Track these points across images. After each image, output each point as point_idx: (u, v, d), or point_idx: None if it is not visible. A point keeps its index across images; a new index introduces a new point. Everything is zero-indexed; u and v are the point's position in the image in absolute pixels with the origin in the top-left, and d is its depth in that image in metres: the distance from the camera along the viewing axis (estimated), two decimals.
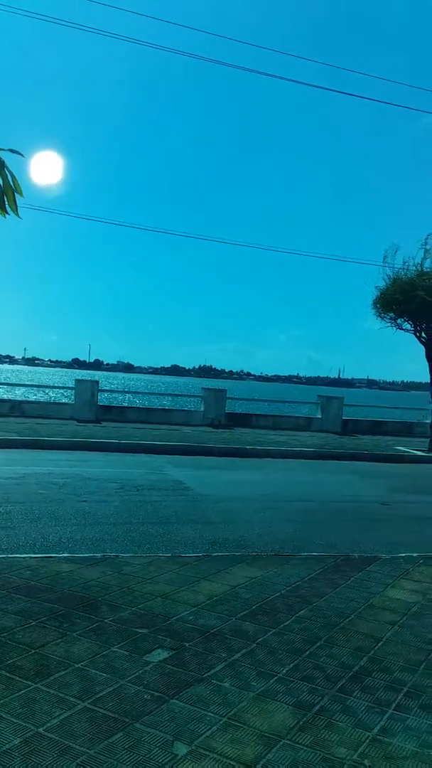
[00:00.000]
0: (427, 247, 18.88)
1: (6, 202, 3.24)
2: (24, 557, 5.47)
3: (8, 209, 3.27)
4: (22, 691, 3.13)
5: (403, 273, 19.16)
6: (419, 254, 19.14)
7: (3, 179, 3.21)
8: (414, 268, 19.13)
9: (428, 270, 18.86)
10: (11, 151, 3.26)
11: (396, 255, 19.42)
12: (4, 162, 3.20)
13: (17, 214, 3.32)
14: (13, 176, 3.23)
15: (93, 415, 18.44)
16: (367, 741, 2.90)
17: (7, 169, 3.19)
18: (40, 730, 2.80)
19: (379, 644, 4.03)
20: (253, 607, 4.52)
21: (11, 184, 3.23)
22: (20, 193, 3.27)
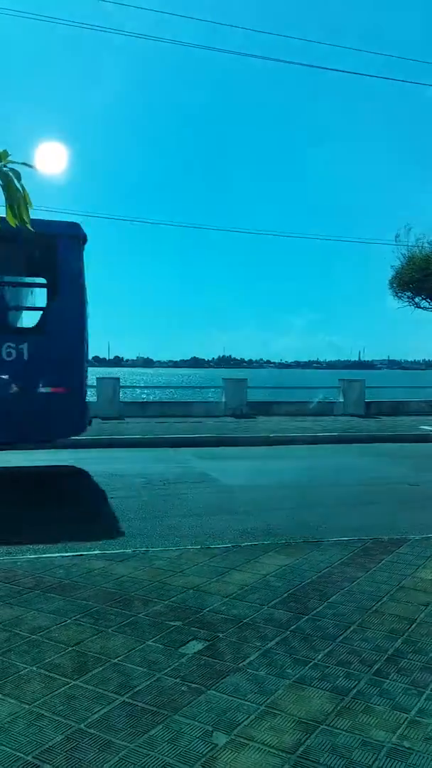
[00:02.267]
0: None
1: (20, 214, 3.28)
2: (56, 556, 5.54)
3: (22, 219, 3.31)
4: (62, 689, 3.18)
5: (417, 251, 18.97)
6: None
7: (16, 192, 3.24)
8: (429, 245, 18.93)
9: None
10: (24, 164, 3.29)
11: (409, 234, 19.25)
12: (19, 174, 3.24)
13: (28, 226, 3.36)
14: (23, 188, 3.27)
15: (116, 411, 18.55)
16: (406, 723, 2.91)
17: (20, 182, 3.23)
18: (81, 726, 2.85)
19: (413, 626, 4.03)
20: (285, 595, 4.54)
21: (23, 196, 3.27)
22: (30, 204, 3.32)
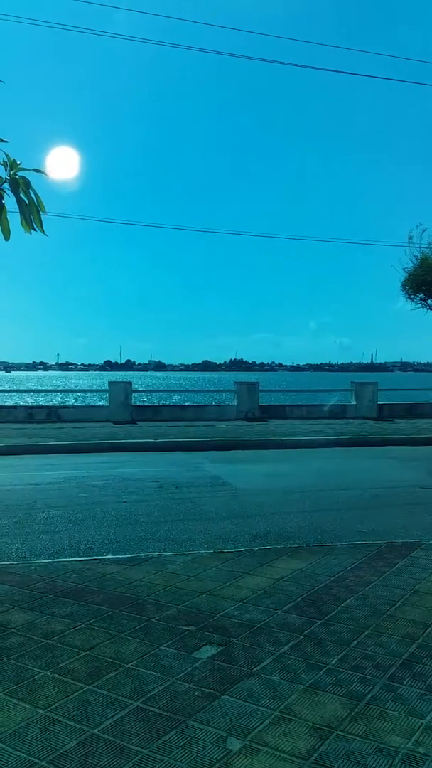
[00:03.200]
0: None
1: (32, 220, 3.31)
2: (69, 561, 5.56)
3: (34, 226, 3.34)
4: (76, 694, 3.19)
5: (430, 253, 18.88)
6: None
7: (28, 198, 3.28)
8: None
9: None
10: (35, 170, 3.33)
11: (422, 235, 19.16)
12: (29, 181, 3.27)
13: (43, 231, 3.39)
14: (36, 195, 3.30)
15: (128, 416, 18.61)
16: (421, 728, 2.89)
17: (32, 188, 3.27)
18: (96, 731, 2.86)
19: (428, 630, 3.99)
20: (298, 600, 4.52)
21: (36, 202, 3.30)
22: (43, 210, 3.34)
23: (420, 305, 19.89)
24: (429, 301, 19.65)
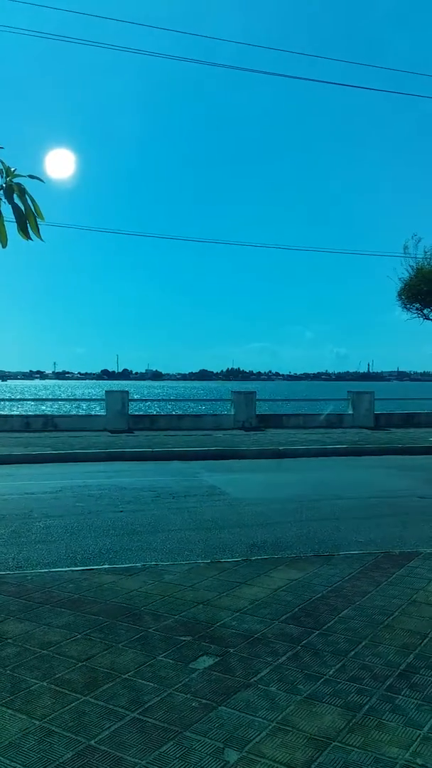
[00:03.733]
0: None
1: (29, 227, 3.32)
2: (66, 571, 5.54)
3: (31, 234, 3.35)
4: (72, 704, 3.17)
5: (425, 263, 18.97)
6: None
7: (24, 205, 3.29)
8: None
9: None
10: (31, 177, 3.34)
11: (418, 245, 19.26)
12: (25, 188, 3.28)
13: (40, 238, 3.40)
14: (33, 201, 3.31)
15: (125, 425, 18.59)
16: (419, 739, 2.88)
17: (28, 194, 3.28)
18: (92, 742, 2.84)
19: (426, 640, 3.99)
20: (296, 610, 4.51)
21: (32, 209, 3.31)
22: (41, 218, 3.35)
23: (416, 315, 19.95)
24: (425, 311, 19.72)
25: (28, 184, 3.33)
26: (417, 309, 19.74)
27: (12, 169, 3.29)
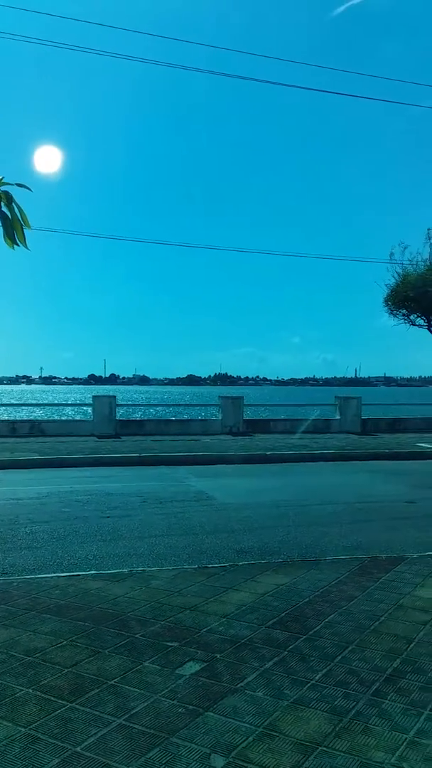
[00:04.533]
0: None
1: (15, 235, 3.31)
2: (52, 576, 5.51)
3: (17, 241, 3.34)
4: (58, 711, 3.15)
5: (412, 269, 19.14)
6: (425, 250, 19.15)
7: (11, 213, 3.28)
8: (423, 263, 19.10)
9: None
10: (18, 185, 3.33)
11: (404, 252, 19.44)
12: (12, 196, 3.28)
13: (26, 246, 3.39)
14: (20, 210, 3.30)
15: (112, 430, 18.54)
16: (405, 744, 2.89)
17: (15, 203, 3.27)
18: (78, 749, 2.82)
19: (412, 645, 4.01)
20: (283, 615, 4.51)
21: (19, 217, 3.30)
22: (28, 226, 3.35)
23: (402, 321, 20.14)
24: (411, 317, 19.90)
25: (15, 192, 3.32)
26: (403, 315, 19.93)
27: (0, 177, 3.28)
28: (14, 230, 3.30)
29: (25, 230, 3.37)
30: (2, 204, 3.26)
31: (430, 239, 18.94)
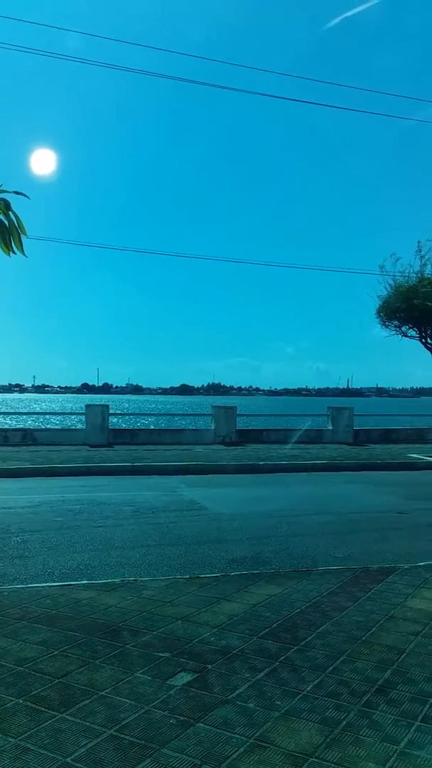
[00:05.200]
0: (422, 253, 19.03)
1: (12, 242, 3.33)
2: (43, 586, 5.49)
3: (14, 248, 3.36)
4: (48, 722, 3.14)
5: (403, 281, 19.26)
6: (417, 261, 19.29)
7: (8, 220, 3.30)
8: (414, 275, 19.22)
9: (428, 276, 18.94)
10: (16, 192, 3.36)
11: (396, 263, 19.57)
12: (9, 203, 3.30)
13: (23, 253, 3.42)
14: (17, 217, 3.33)
15: (105, 439, 18.50)
16: (395, 755, 2.89)
17: (12, 210, 3.29)
18: (68, 760, 2.81)
19: (403, 656, 4.01)
20: (274, 625, 4.51)
21: (16, 224, 3.33)
22: (24, 233, 3.37)
23: (394, 332, 20.24)
24: (403, 328, 20.00)
25: (13, 200, 3.35)
26: (395, 326, 20.02)
27: None
28: (11, 237, 3.32)
29: (21, 237, 3.39)
30: (0, 211, 3.28)
31: (420, 251, 19.09)
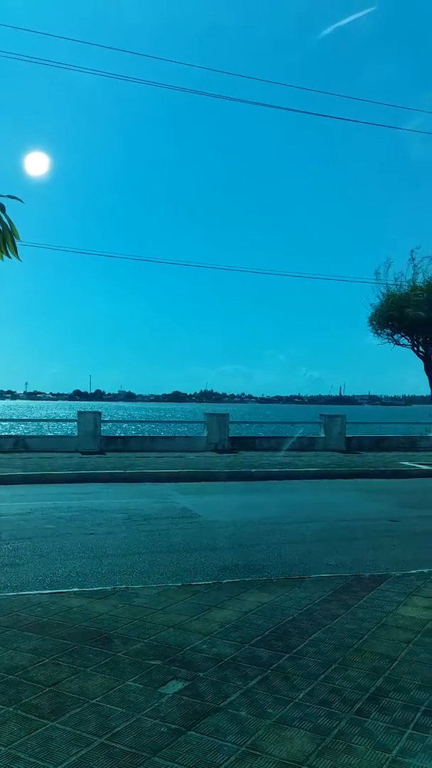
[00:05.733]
0: (416, 262, 19.14)
1: (7, 246, 3.33)
2: (34, 594, 5.46)
3: (9, 252, 3.36)
4: (39, 730, 3.12)
5: (396, 289, 19.36)
6: (409, 270, 19.39)
7: (2, 225, 3.30)
8: (406, 284, 19.32)
9: (420, 285, 19.05)
10: (9, 196, 3.36)
11: (388, 271, 19.67)
12: (4, 207, 3.30)
13: (17, 257, 3.42)
14: (10, 221, 3.33)
15: (97, 446, 18.45)
16: (387, 763, 2.88)
17: (5, 215, 3.29)
18: None
19: (395, 664, 4.01)
20: (266, 633, 4.50)
21: (9, 228, 3.33)
22: (17, 237, 3.37)
23: (387, 340, 20.34)
24: (395, 336, 20.09)
25: (7, 204, 3.35)
26: (388, 334, 20.12)
27: None
28: (5, 241, 3.32)
29: (16, 242, 3.39)
30: None
31: (414, 260, 19.20)
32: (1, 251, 3.43)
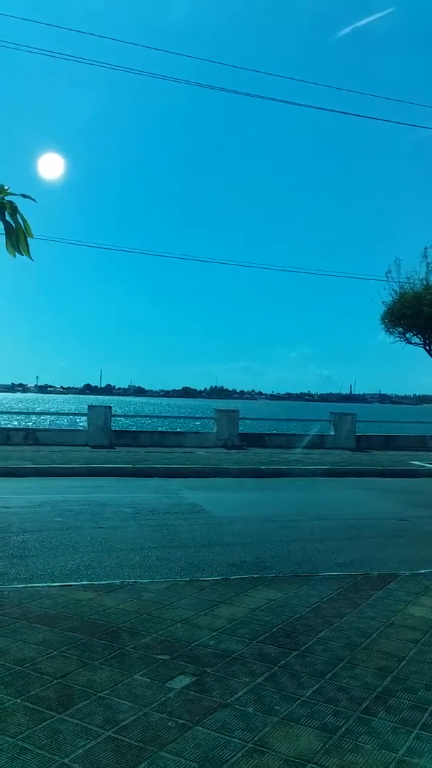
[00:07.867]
0: (429, 260, 19.00)
1: (18, 244, 3.35)
2: (43, 586, 5.49)
3: (21, 251, 3.38)
4: (46, 722, 3.13)
5: (408, 287, 19.24)
6: (422, 268, 19.26)
7: (15, 223, 3.32)
8: (419, 282, 19.19)
9: None
10: (23, 195, 3.38)
11: (400, 269, 19.55)
12: (17, 207, 3.31)
13: (29, 256, 3.43)
14: (24, 220, 3.34)
15: (107, 440, 18.50)
16: (394, 763, 2.88)
17: (19, 213, 3.31)
18: (66, 761, 2.80)
19: (402, 663, 4.00)
20: (274, 630, 4.50)
21: (23, 227, 3.34)
22: (30, 235, 3.38)
23: (398, 338, 20.22)
24: (407, 335, 19.98)
25: (19, 202, 3.36)
26: (400, 333, 20.00)
27: (5, 187, 3.33)
28: (18, 240, 3.34)
29: (28, 240, 3.41)
30: (7, 213, 3.30)
31: (426, 258, 19.08)
32: (14, 250, 3.44)
